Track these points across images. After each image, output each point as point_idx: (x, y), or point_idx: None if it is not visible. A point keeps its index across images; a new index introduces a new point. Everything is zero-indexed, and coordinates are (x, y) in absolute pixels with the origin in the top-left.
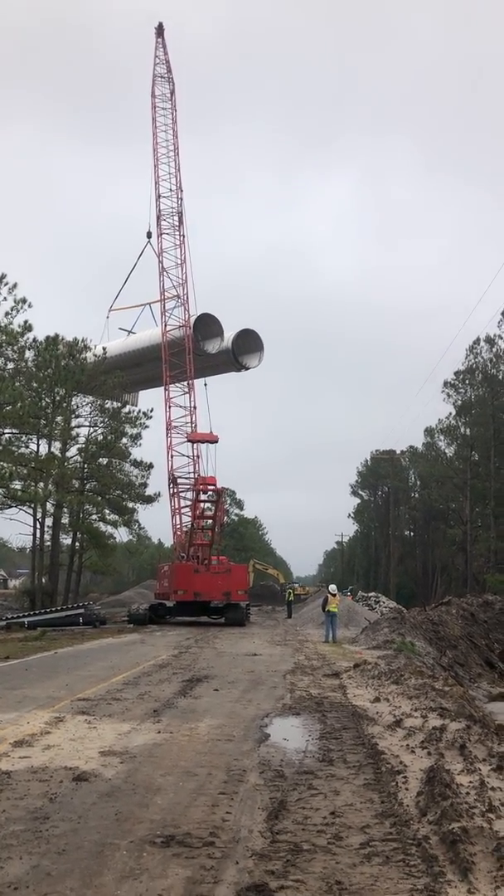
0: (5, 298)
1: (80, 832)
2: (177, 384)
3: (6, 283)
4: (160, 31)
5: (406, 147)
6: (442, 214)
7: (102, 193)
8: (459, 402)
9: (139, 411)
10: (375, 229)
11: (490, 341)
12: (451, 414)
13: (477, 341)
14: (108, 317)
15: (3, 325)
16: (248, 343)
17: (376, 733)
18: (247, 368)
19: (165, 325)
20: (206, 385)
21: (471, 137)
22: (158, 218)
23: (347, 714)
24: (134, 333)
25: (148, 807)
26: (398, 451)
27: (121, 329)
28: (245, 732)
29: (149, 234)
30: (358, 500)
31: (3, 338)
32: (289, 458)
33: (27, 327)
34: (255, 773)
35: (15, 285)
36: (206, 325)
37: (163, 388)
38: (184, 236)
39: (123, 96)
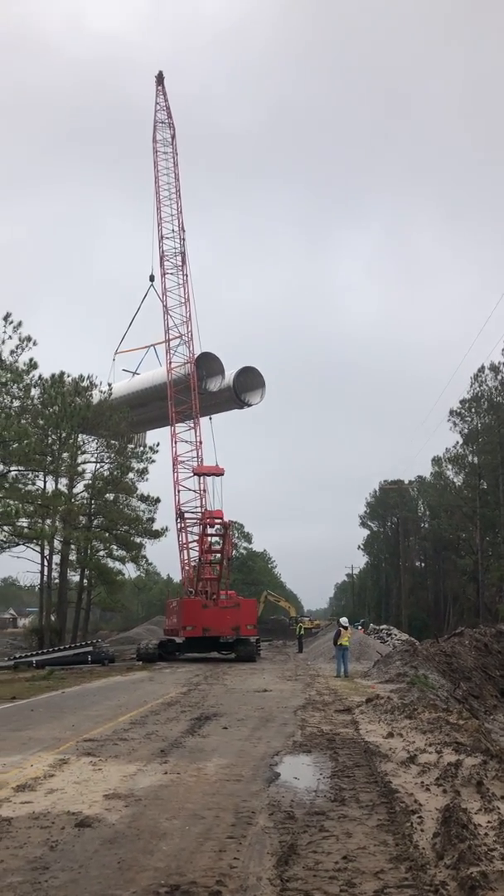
0: (10, 336)
1: (80, 882)
2: (182, 422)
3: (11, 322)
4: (160, 79)
5: (428, 197)
6: (462, 259)
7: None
8: (466, 431)
9: (145, 446)
10: (398, 274)
11: (495, 369)
12: (458, 443)
13: (482, 369)
14: (113, 359)
15: (8, 363)
16: (250, 380)
17: (389, 770)
18: (249, 405)
19: (170, 363)
20: (210, 420)
21: (488, 188)
22: (162, 258)
23: (360, 751)
24: (138, 374)
25: (152, 853)
26: (406, 482)
27: (124, 371)
28: (254, 772)
29: (151, 278)
30: (367, 532)
31: (9, 376)
32: (298, 492)
33: (32, 365)
34: (264, 814)
35: (20, 323)
36: (208, 364)
37: (168, 425)
38: (186, 276)
39: (139, 145)
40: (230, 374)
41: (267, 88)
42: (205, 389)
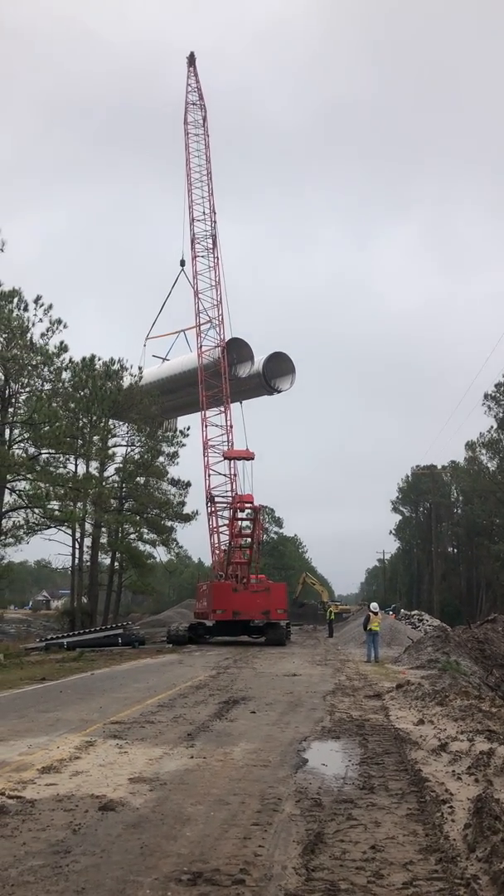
0: (41, 319)
1: (101, 868)
2: (212, 407)
3: (42, 305)
4: (192, 60)
5: (473, 189)
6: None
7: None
8: (501, 415)
9: (176, 430)
10: (442, 264)
11: None
12: (492, 427)
13: None
14: (144, 345)
15: (39, 345)
16: (280, 366)
17: (420, 758)
18: (279, 391)
19: (201, 347)
20: (241, 405)
21: None
22: (193, 241)
23: (390, 737)
24: (168, 360)
25: (176, 839)
26: (439, 466)
27: (154, 356)
28: (282, 758)
29: (182, 263)
30: (399, 517)
31: (39, 358)
32: (330, 478)
33: (63, 348)
34: (290, 801)
35: (50, 306)
36: (237, 350)
37: (198, 411)
38: (218, 258)
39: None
40: (260, 359)
41: (315, 83)
42: (234, 375)
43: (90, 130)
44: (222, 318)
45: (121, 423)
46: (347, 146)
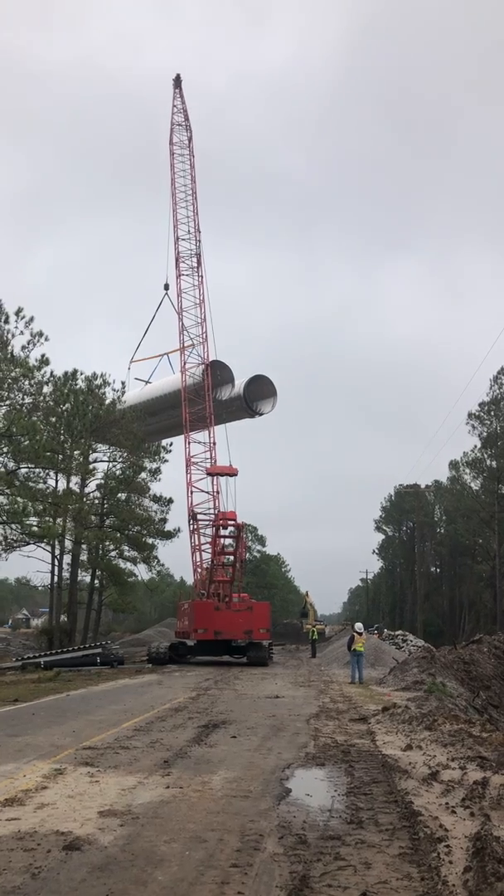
0: (21, 332)
1: None
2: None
3: (23, 317)
4: (178, 82)
5: (475, 227)
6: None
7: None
8: (485, 434)
9: (158, 444)
10: (440, 294)
11: None
12: (476, 446)
13: (502, 371)
14: (129, 368)
15: (19, 358)
16: (261, 389)
17: (410, 788)
18: (260, 414)
19: (184, 364)
20: (225, 426)
21: None
22: (177, 260)
23: (377, 764)
24: (150, 383)
25: (146, 884)
26: (423, 486)
27: (137, 379)
28: (264, 787)
29: (166, 287)
30: (382, 536)
31: (19, 370)
32: (314, 497)
33: (44, 361)
34: (273, 838)
35: (32, 318)
36: (218, 372)
37: (179, 435)
38: (202, 277)
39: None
40: (240, 382)
41: (319, 133)
42: (216, 398)
43: (108, 165)
44: (206, 336)
45: (104, 445)
46: (352, 187)
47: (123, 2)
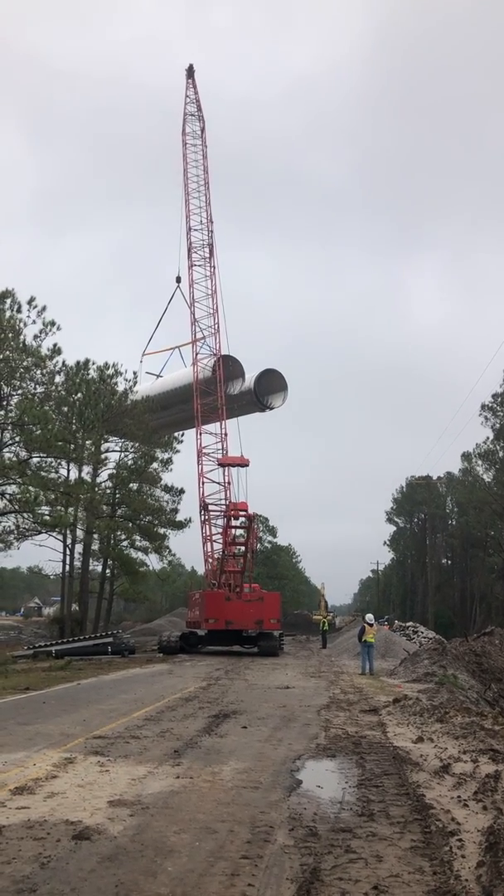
0: (34, 321)
1: None
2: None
3: (35, 306)
4: (190, 72)
5: (492, 225)
6: None
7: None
8: (498, 426)
9: (170, 436)
10: (461, 290)
11: None
12: (488, 438)
13: None
14: (141, 361)
15: (31, 347)
16: (272, 383)
17: (422, 781)
18: (271, 408)
19: (196, 355)
20: (237, 420)
21: None
22: (189, 250)
23: (388, 756)
24: (162, 377)
25: (155, 875)
26: (435, 478)
27: (148, 373)
28: (274, 778)
29: (178, 279)
30: (393, 528)
31: (31, 360)
32: (326, 488)
33: (56, 350)
34: (283, 830)
35: (44, 308)
36: (227, 367)
37: (190, 428)
38: (214, 267)
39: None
40: (250, 376)
41: (343, 130)
42: (226, 393)
43: (135, 163)
44: (218, 327)
45: (116, 438)
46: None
47: (152, 2)
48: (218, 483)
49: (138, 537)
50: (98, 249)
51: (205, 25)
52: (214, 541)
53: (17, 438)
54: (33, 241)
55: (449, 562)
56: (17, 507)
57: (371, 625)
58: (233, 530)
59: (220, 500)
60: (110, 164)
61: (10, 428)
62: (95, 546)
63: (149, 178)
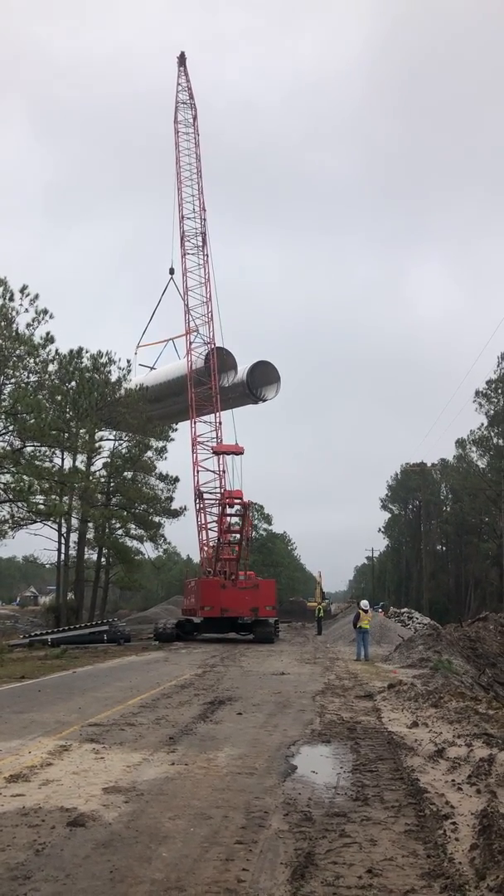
0: (27, 310)
1: None
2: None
3: (27, 294)
4: (182, 60)
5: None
6: None
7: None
8: (492, 412)
9: (164, 426)
10: (463, 280)
11: None
12: (482, 424)
13: None
14: (135, 353)
15: (24, 335)
16: (265, 375)
17: (416, 765)
18: (263, 400)
19: (190, 344)
20: (232, 412)
21: None
22: (182, 238)
23: (383, 742)
24: (155, 369)
25: (150, 861)
26: (429, 464)
27: (142, 365)
28: (269, 764)
29: (171, 271)
30: (388, 515)
31: (24, 348)
32: (321, 476)
33: (49, 339)
34: (278, 815)
35: (37, 296)
36: (220, 359)
37: (183, 421)
38: (207, 256)
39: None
40: (243, 368)
41: (350, 129)
42: (219, 385)
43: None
44: (211, 316)
45: (109, 429)
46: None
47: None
48: (213, 471)
49: (133, 526)
50: (104, 242)
51: (213, 25)
52: (209, 529)
53: (10, 427)
54: (41, 233)
55: (444, 548)
56: (11, 496)
57: (366, 611)
58: (228, 518)
59: (215, 488)
60: (118, 157)
61: (3, 417)
62: (90, 535)
63: (155, 172)
